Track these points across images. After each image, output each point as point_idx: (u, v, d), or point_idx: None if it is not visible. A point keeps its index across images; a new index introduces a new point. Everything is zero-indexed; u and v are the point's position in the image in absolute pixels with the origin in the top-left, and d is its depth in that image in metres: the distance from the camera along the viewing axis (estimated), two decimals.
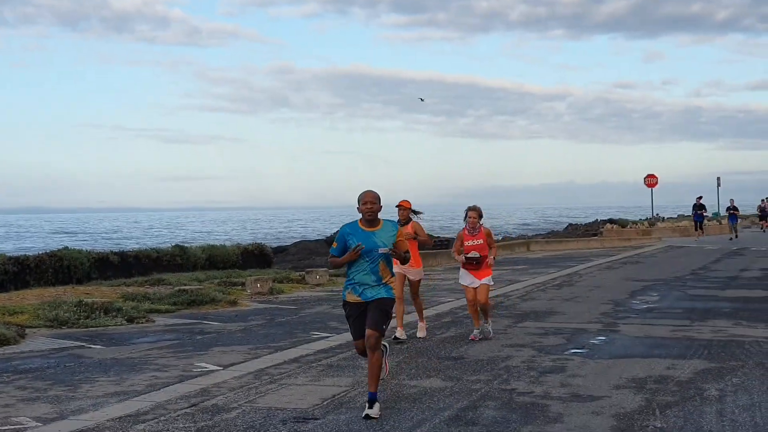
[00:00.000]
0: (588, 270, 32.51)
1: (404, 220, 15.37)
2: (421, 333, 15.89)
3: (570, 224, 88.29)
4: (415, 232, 15.35)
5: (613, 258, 39.24)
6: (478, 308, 15.41)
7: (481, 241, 15.08)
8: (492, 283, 15.50)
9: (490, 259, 15.25)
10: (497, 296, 23.16)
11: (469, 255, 15.06)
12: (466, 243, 15.10)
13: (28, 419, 9.86)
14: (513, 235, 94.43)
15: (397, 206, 15.51)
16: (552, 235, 66.87)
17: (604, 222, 71.90)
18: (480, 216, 15.20)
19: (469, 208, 15.16)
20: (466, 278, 15.30)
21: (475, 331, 15.48)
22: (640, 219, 73.75)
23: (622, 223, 67.15)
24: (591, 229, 67.71)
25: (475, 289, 15.22)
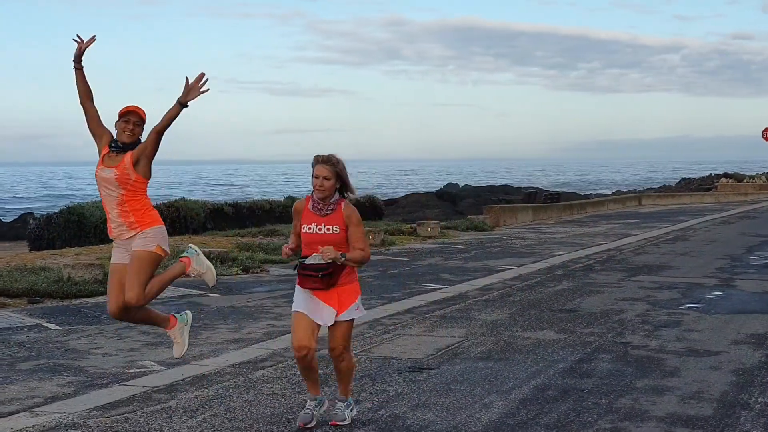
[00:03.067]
0: (702, 224, 31.96)
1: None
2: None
3: (683, 178, 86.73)
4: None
5: (729, 213, 38.46)
6: (334, 366, 7.99)
7: (336, 228, 7.48)
8: (361, 313, 7.85)
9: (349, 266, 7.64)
10: (608, 250, 22.94)
11: (307, 260, 7.46)
12: (305, 228, 7.53)
13: (152, 363, 10.17)
14: (624, 189, 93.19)
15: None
16: (664, 190, 65.85)
17: (719, 176, 70.39)
18: (339, 178, 7.52)
19: (318, 160, 7.49)
20: (303, 302, 7.58)
21: (308, 404, 7.79)
22: (757, 173, 71.97)
23: (737, 178, 65.62)
24: (705, 184, 66.41)
25: (318, 328, 7.64)
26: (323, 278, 7.49)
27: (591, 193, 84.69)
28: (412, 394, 8.68)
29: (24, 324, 12.70)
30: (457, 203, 60.35)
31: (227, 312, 13.68)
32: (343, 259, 7.47)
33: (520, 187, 79.70)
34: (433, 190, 77.01)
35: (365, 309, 8.65)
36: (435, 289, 15.95)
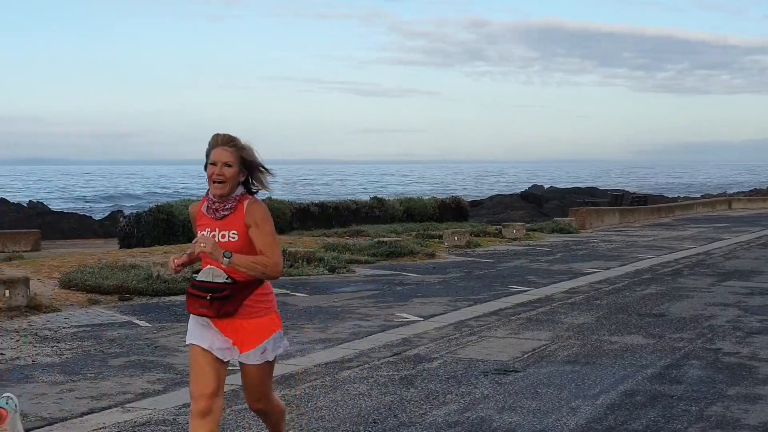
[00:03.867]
0: None
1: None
2: None
3: None
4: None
5: None
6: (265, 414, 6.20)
7: (234, 234, 5.62)
8: (280, 352, 5.83)
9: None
10: (698, 254, 22.60)
11: (198, 276, 5.82)
12: (200, 232, 5.76)
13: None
14: (713, 192, 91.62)
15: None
16: (755, 193, 64.59)
17: None
18: (245, 166, 5.65)
19: (217, 141, 5.62)
20: (197, 331, 5.90)
21: None
22: None
23: None
24: None
25: (223, 366, 5.75)
26: (213, 302, 5.59)
27: (679, 196, 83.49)
28: (498, 397, 8.64)
29: (115, 321, 12.94)
30: (542, 205, 59.95)
31: (314, 312, 13.76)
32: (226, 259, 5.46)
33: (606, 190, 78.93)
34: (518, 191, 76.65)
35: (451, 310, 8.57)
36: (521, 291, 15.86)
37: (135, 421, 7.77)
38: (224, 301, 5.58)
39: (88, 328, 12.31)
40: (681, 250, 23.46)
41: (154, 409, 8.18)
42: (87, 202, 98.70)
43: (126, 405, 8.36)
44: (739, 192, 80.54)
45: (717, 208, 44.58)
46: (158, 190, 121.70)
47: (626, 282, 17.23)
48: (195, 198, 32.60)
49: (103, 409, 8.24)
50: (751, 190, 79.68)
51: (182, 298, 14.90)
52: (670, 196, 78.67)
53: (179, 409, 8.18)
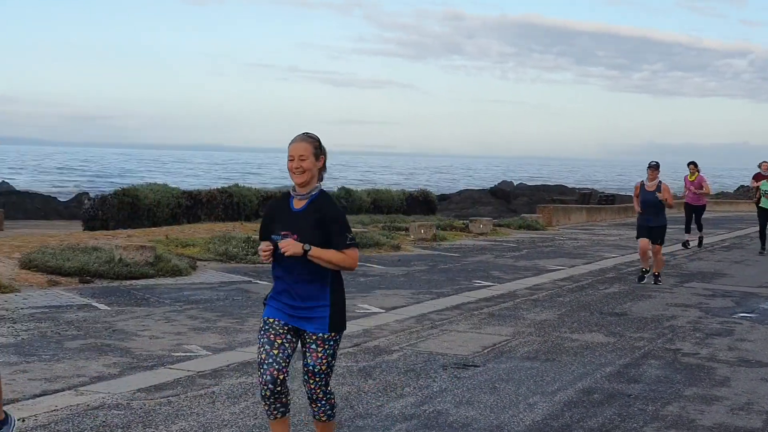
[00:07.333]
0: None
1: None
2: None
3: (741, 186, 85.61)
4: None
5: None
6: None
7: None
8: None
9: None
10: (665, 253, 22.70)
11: None
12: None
13: (198, 347, 10.19)
14: (680, 194, 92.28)
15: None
16: (722, 197, 65.03)
17: None
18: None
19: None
20: None
21: None
22: None
23: None
24: None
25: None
26: None
27: None
28: (456, 391, 8.61)
29: (74, 303, 12.80)
30: (510, 201, 60.03)
31: None
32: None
33: (575, 188, 79.15)
34: (487, 187, 76.73)
35: (413, 303, 8.55)
36: (484, 286, 15.85)
37: (88, 405, 7.68)
38: None
39: (46, 310, 12.17)
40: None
41: (108, 392, 8.09)
42: (55, 185, 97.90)
43: (80, 388, 8.26)
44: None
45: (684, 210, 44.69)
46: (127, 174, 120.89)
47: (590, 280, 17.26)
48: (161, 183, 32.43)
49: (56, 391, 8.14)
50: (717, 194, 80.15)
51: (143, 282, 14.78)
52: None
53: (134, 393, 8.09)
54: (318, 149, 5.99)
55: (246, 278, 15.73)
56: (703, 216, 25.40)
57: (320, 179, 6.06)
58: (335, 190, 36.40)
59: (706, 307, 14.43)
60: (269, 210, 6.14)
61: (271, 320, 6.11)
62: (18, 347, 9.90)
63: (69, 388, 8.24)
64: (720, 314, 13.73)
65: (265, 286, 15.02)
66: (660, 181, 16.60)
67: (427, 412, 7.86)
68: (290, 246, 5.79)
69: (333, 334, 6.01)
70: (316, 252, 5.83)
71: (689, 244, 24.27)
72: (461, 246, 23.37)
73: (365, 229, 23.85)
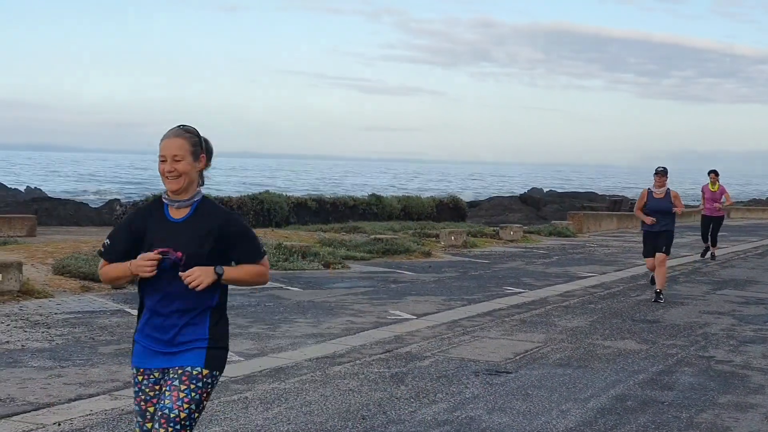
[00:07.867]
0: None
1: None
2: None
3: None
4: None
5: None
6: None
7: None
8: None
9: None
10: (694, 262, 22.58)
11: None
12: None
13: (231, 353, 10.19)
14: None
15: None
16: (754, 203, 64.59)
17: None
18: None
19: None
20: None
21: None
22: None
23: None
24: None
25: None
26: None
27: None
28: (488, 397, 8.60)
29: (107, 308, 12.89)
30: (540, 208, 59.83)
31: (307, 306, 13.72)
32: None
33: (605, 195, 78.83)
34: (517, 193, 76.56)
35: (444, 310, 8.55)
36: (515, 293, 15.82)
37: (122, 409, 7.73)
38: None
39: (80, 315, 12.26)
40: (677, 257, 23.40)
41: None
42: (87, 192, 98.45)
43: (114, 393, 8.31)
44: (737, 202, 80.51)
45: None
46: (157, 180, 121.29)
47: (621, 287, 17.20)
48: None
49: (91, 396, 8.20)
50: (750, 201, 79.65)
51: None
52: None
53: None
54: (197, 146, 4.74)
55: (277, 284, 15.77)
56: (724, 225, 24.88)
57: (201, 183, 4.83)
58: (366, 196, 36.44)
59: (740, 314, 14.34)
60: (136, 217, 4.80)
61: (141, 377, 4.79)
62: (53, 352, 9.98)
63: (103, 393, 8.30)
64: (754, 322, 13.64)
65: (297, 292, 15.07)
66: (668, 189, 15.50)
67: (460, 418, 7.86)
68: (200, 277, 4.58)
69: (206, 371, 4.67)
70: (230, 273, 4.72)
71: (707, 254, 23.82)
72: (492, 253, 23.34)
73: (395, 236, 23.85)
